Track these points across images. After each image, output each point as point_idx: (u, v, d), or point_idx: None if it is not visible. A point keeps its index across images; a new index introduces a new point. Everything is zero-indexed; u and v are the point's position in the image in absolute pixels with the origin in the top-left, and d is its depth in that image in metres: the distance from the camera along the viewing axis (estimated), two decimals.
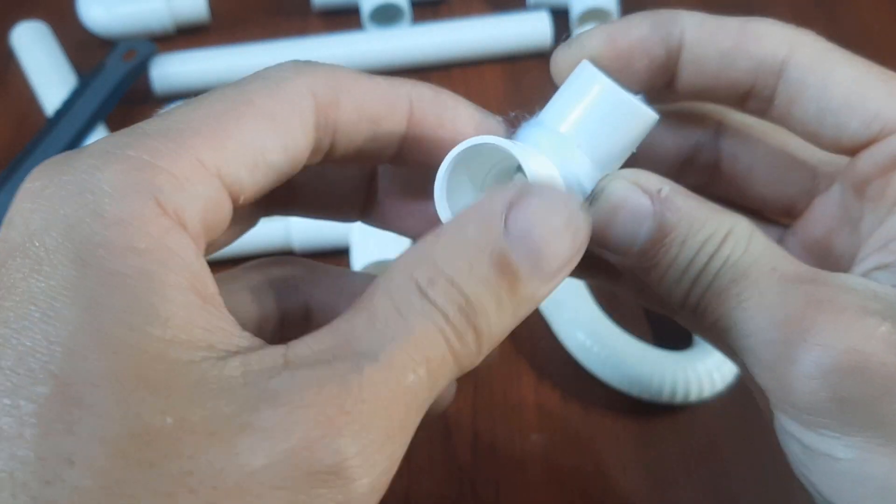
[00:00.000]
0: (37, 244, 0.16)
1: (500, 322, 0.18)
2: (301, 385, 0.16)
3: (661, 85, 0.23)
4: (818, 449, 0.19)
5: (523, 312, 0.18)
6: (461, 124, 0.22)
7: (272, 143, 0.19)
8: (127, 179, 0.17)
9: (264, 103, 0.19)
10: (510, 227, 0.18)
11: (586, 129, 0.21)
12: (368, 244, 0.41)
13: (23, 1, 0.58)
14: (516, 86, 0.52)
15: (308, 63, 0.21)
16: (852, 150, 0.22)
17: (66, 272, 0.16)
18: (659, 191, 0.21)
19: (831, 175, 0.24)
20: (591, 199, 0.21)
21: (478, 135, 0.20)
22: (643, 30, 0.22)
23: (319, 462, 0.16)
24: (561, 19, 0.54)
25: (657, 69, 0.22)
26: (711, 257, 0.20)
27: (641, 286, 0.23)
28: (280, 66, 0.20)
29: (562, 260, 0.18)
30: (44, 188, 0.17)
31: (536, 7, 0.55)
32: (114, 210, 0.16)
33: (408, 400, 0.17)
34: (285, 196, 0.23)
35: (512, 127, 0.23)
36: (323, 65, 0.21)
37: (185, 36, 0.55)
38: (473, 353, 0.18)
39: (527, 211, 0.18)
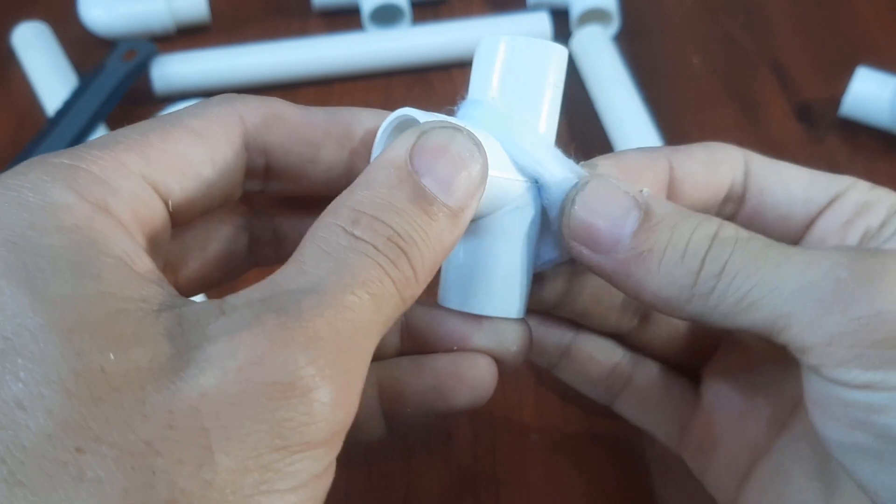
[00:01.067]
0: None
1: (429, 249, 0.19)
2: (239, 322, 0.17)
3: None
4: (893, 382, 0.19)
5: (448, 239, 0.20)
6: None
7: (198, 156, 0.21)
8: (46, 177, 0.18)
9: (192, 122, 0.21)
10: (416, 166, 0.19)
11: (508, 86, 0.22)
12: None
13: (23, 1, 0.58)
14: None
15: (241, 95, 0.23)
16: (814, 219, 0.25)
17: None
18: (640, 191, 0.22)
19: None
20: (573, 194, 0.22)
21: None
22: (639, 153, 0.25)
23: (271, 374, 0.16)
24: (561, 20, 0.54)
25: (658, 184, 0.25)
26: (714, 237, 0.21)
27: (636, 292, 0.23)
28: (213, 98, 0.22)
29: (469, 184, 0.20)
30: None
31: (536, 7, 0.55)
32: (35, 200, 0.17)
33: (353, 318, 0.17)
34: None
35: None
36: (256, 97, 0.23)
37: (186, 36, 0.55)
38: (412, 280, 0.19)
39: (427, 146, 0.19)
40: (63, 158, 0.19)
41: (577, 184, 0.22)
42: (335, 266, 0.18)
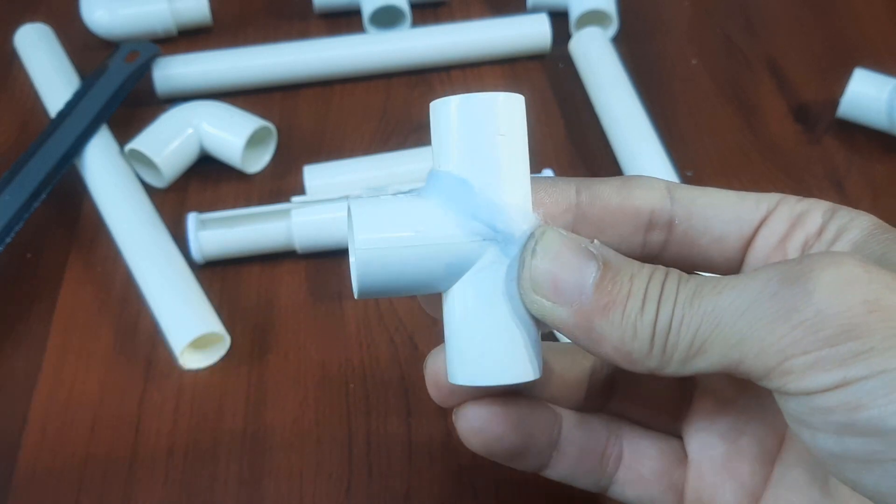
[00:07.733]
0: None
1: None
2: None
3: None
4: (871, 372, 0.18)
5: None
6: None
7: None
8: None
9: None
10: None
11: (457, 150, 0.22)
12: None
13: (26, 3, 0.58)
14: (516, 88, 0.52)
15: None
16: (750, 238, 0.25)
17: None
18: (592, 241, 0.22)
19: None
20: (531, 245, 0.22)
21: None
22: (544, 179, 0.25)
23: None
24: (560, 21, 0.54)
25: (558, 205, 0.25)
26: (664, 282, 0.21)
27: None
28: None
29: None
30: None
31: (536, 9, 0.56)
32: None
33: None
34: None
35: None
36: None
37: (187, 38, 0.56)
38: None
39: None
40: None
41: (533, 234, 0.22)
42: None
